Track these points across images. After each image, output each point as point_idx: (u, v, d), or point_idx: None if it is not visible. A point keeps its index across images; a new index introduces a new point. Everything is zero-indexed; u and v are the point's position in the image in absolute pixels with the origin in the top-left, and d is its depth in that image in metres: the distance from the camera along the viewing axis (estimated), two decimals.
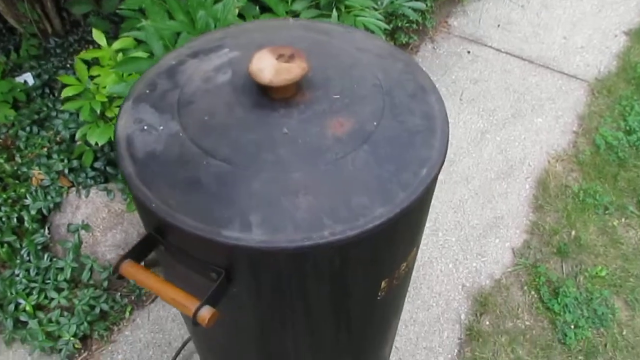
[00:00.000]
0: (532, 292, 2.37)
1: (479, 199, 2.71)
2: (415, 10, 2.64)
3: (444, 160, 0.99)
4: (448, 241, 2.54)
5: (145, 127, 1.02)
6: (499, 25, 3.76)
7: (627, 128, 3.04)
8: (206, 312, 0.89)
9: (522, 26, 3.76)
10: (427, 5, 3.27)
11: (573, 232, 2.58)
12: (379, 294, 1.10)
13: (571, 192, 2.75)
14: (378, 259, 1.00)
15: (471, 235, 2.56)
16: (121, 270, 0.97)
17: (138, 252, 0.99)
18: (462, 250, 2.50)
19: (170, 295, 0.94)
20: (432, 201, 2.58)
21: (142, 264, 0.98)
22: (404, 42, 3.03)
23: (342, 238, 0.85)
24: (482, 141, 2.98)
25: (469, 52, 3.54)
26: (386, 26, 2.35)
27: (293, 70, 0.98)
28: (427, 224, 2.50)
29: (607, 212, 2.67)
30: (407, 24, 3.20)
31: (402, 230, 1.00)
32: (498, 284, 2.39)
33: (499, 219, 2.63)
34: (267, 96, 1.02)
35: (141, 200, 0.92)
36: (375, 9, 2.38)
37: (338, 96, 1.04)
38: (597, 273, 2.43)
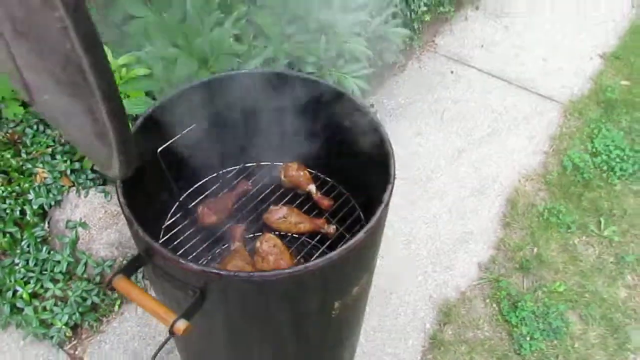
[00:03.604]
0: (494, 305, 2.53)
1: (451, 214, 2.88)
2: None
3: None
4: (420, 254, 2.70)
5: None
6: (482, 46, 3.95)
7: (594, 150, 3.22)
8: (181, 325, 1.08)
9: (505, 47, 3.95)
10: (414, 29, 3.42)
11: (535, 249, 2.74)
12: (333, 312, 1.28)
13: (537, 211, 2.91)
14: (328, 286, 1.19)
15: (442, 249, 2.72)
16: (113, 284, 1.15)
17: (129, 269, 1.17)
18: (432, 263, 2.67)
19: (152, 308, 1.13)
20: (407, 215, 2.74)
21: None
22: (390, 62, 3.18)
23: (295, 273, 1.05)
24: (459, 159, 3.15)
25: (452, 72, 3.70)
26: (370, 52, 2.54)
27: None
28: (401, 237, 2.68)
29: (569, 230, 2.83)
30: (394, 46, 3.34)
31: (350, 264, 1.19)
32: (463, 296, 2.55)
33: (469, 235, 2.80)
34: None
35: (133, 229, 1.11)
36: (359, 35, 2.55)
37: None
38: (555, 288, 2.59)
